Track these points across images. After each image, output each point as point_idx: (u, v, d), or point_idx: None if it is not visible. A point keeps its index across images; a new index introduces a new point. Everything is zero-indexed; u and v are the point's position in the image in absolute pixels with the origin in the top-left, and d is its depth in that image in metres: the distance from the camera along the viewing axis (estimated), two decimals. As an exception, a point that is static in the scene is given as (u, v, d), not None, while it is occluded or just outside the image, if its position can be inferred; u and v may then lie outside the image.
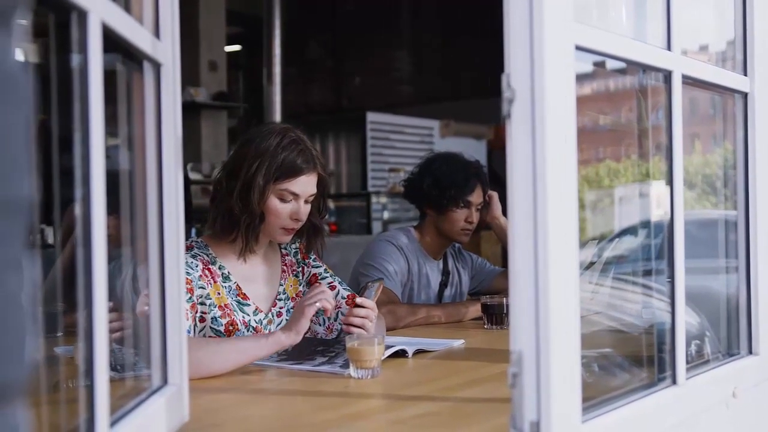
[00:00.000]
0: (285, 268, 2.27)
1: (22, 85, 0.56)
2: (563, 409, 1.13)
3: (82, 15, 0.95)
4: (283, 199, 2.08)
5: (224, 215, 2.10)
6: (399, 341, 2.13)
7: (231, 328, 2.07)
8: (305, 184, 2.09)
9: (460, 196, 2.87)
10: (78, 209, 0.97)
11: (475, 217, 2.92)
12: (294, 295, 2.26)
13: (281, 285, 2.24)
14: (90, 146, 0.95)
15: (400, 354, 2.04)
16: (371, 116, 7.94)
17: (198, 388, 1.62)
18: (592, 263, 1.89)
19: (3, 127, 0.53)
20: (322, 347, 2.06)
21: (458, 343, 2.27)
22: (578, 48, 1.19)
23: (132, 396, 1.22)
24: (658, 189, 1.80)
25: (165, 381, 1.32)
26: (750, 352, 1.74)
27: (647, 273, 1.86)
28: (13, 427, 0.55)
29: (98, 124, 0.97)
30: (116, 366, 1.28)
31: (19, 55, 0.57)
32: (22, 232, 0.56)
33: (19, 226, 0.55)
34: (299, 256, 2.31)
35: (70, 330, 1.23)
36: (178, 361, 1.33)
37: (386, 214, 7.38)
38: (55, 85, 0.99)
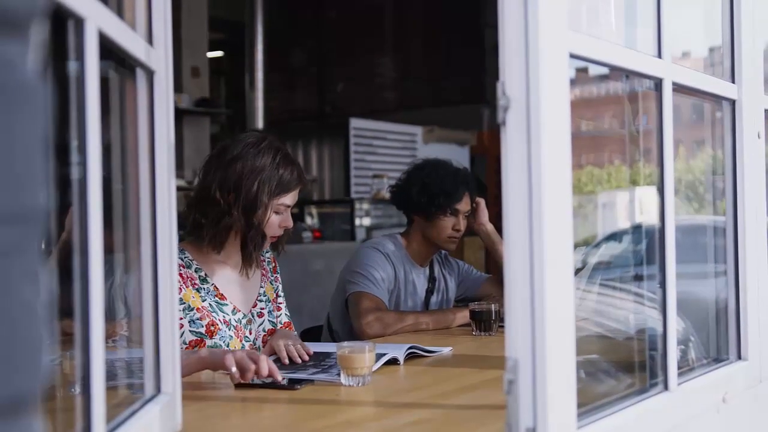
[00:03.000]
0: (264, 272, 2.36)
1: (39, 94, 0.55)
2: (559, 416, 1.13)
3: (79, 22, 0.94)
4: (278, 212, 2.20)
5: (222, 231, 2.14)
6: (389, 348, 2.12)
7: (212, 328, 2.13)
8: (296, 196, 2.23)
9: (449, 204, 2.87)
10: (69, 216, 0.97)
11: (463, 224, 2.91)
12: (271, 300, 2.35)
13: (261, 287, 2.32)
14: (87, 153, 0.94)
15: (391, 361, 2.04)
16: (354, 122, 7.92)
17: (191, 397, 1.61)
18: (578, 269, 1.89)
19: (20, 137, 0.52)
20: (314, 361, 2.05)
21: (447, 351, 2.27)
22: (572, 56, 1.19)
23: (125, 405, 1.21)
24: (641, 195, 1.81)
25: (158, 390, 1.31)
26: (739, 357, 1.75)
27: (633, 279, 1.86)
28: None
29: (95, 130, 0.96)
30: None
31: (35, 65, 0.56)
32: (38, 241, 0.56)
33: (35, 236, 0.55)
34: (270, 267, 2.40)
35: (58, 339, 1.22)
36: (171, 370, 1.33)
37: (370, 221, 7.37)
38: (50, 92, 0.98)
